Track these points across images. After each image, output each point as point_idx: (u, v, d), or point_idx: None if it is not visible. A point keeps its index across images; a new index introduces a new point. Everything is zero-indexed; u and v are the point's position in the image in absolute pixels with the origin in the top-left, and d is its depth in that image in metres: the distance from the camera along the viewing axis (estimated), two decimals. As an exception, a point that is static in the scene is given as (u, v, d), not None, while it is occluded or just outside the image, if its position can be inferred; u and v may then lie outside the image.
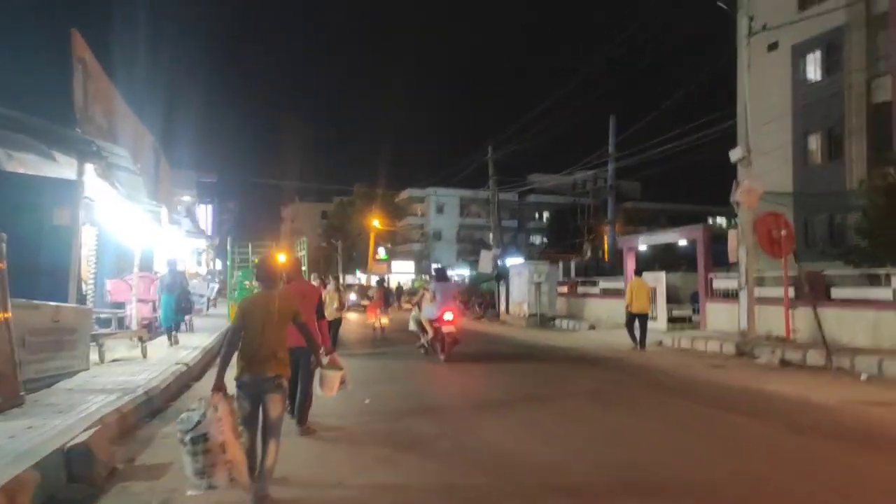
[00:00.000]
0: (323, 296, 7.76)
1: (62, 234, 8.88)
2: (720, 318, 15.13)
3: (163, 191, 13.02)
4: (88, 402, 6.34)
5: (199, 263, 29.02)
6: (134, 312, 13.14)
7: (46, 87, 8.57)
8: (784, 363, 10.97)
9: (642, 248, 19.81)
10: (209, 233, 33.81)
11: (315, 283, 12.36)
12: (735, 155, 12.76)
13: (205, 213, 42.40)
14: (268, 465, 4.24)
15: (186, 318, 15.73)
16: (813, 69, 24.01)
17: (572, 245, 44.61)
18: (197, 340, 13.20)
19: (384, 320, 16.67)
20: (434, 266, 17.13)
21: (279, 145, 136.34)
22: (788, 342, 12.13)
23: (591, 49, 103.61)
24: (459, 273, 55.29)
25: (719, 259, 18.15)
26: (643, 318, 13.64)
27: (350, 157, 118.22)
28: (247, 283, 15.44)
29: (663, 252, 24.52)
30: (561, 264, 25.47)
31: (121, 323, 13.56)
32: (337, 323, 12.31)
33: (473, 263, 59.28)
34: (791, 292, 12.63)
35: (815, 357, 10.72)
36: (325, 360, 5.30)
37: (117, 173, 9.65)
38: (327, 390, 5.43)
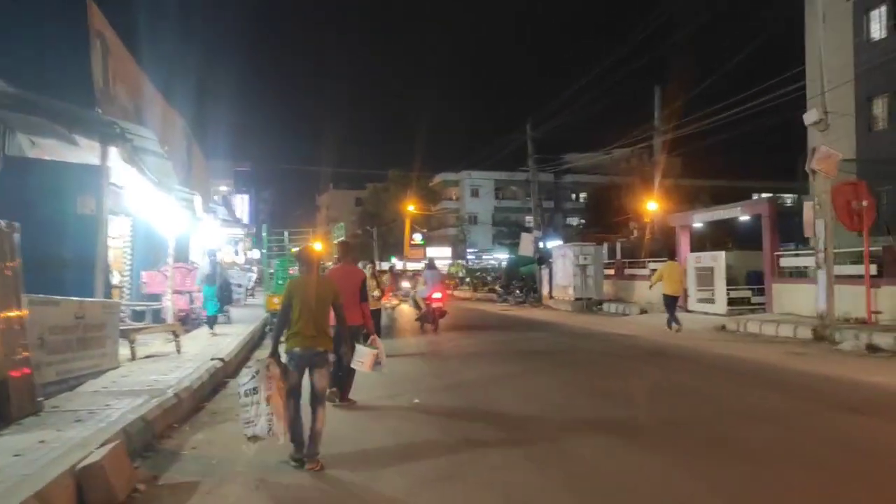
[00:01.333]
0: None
1: (87, 224, 8.35)
2: (788, 299, 13.95)
3: (196, 178, 12.48)
4: (112, 408, 5.73)
5: (237, 253, 28.81)
6: (170, 304, 12.63)
7: (62, 64, 7.97)
8: (872, 348, 9.85)
9: (697, 225, 18.58)
10: (246, 222, 33.58)
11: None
12: (810, 118, 11.55)
13: (241, 203, 42.39)
14: (317, 428, 4.72)
15: (226, 308, 15.31)
16: (878, 27, 22.23)
17: (611, 225, 43.19)
18: (234, 333, 12.67)
19: (395, 302, 18.59)
20: (427, 259, 18.28)
21: (313, 133, 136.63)
22: (870, 325, 10.97)
23: (629, 20, 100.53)
24: (496, 257, 54.37)
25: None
26: (674, 300, 13.86)
27: (384, 143, 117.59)
28: (290, 270, 14.79)
29: (713, 230, 23.20)
30: (605, 245, 24.33)
31: (156, 316, 13.14)
32: (376, 314, 10.37)
33: (510, 247, 58.25)
34: (872, 269, 11.44)
35: (910, 342, 9.57)
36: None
37: (145, 158, 9.05)
38: (359, 365, 6.10)
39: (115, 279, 14.85)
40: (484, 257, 57.23)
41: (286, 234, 15.55)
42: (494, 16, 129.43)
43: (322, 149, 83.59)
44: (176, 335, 9.64)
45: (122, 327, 9.09)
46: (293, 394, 4.80)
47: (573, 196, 63.88)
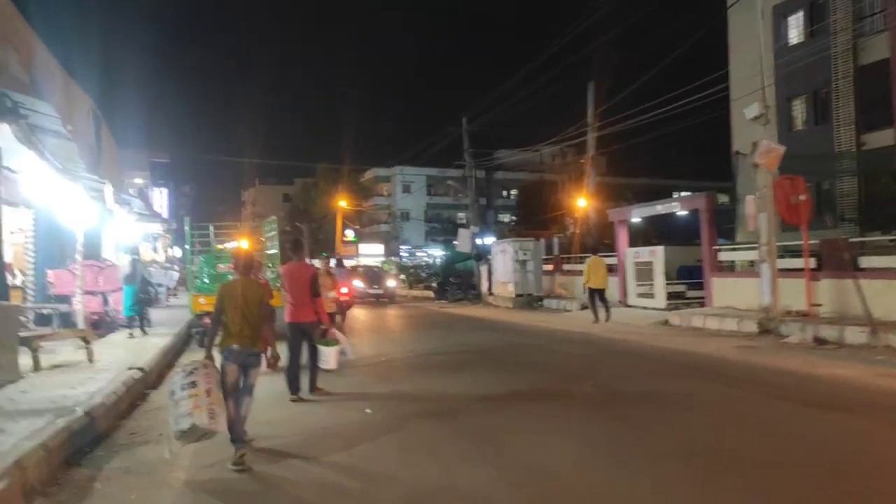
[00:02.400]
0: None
1: (-25, 215, 7.14)
2: (727, 293, 14.09)
3: (107, 167, 11.19)
4: (5, 433, 4.74)
5: (155, 250, 26.92)
6: (80, 307, 11.30)
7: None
8: (819, 341, 9.93)
9: (635, 220, 18.68)
10: (165, 216, 31.52)
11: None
12: (751, 112, 11.61)
13: (159, 197, 39.90)
14: (243, 413, 4.95)
15: (146, 310, 13.99)
16: (796, 31, 23.16)
17: (542, 222, 43.62)
18: (155, 338, 11.49)
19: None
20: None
21: (237, 124, 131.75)
22: (812, 317, 11.13)
23: (562, 16, 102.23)
24: (430, 253, 53.90)
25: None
26: (602, 293, 14.82)
27: (312, 137, 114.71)
28: (220, 266, 13.59)
29: (641, 226, 23.61)
30: (542, 241, 24.24)
31: (66, 320, 11.77)
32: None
33: (443, 243, 58.01)
34: (811, 263, 11.62)
35: (854, 334, 9.68)
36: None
37: (44, 138, 7.89)
38: (325, 364, 6.47)
39: (18, 279, 13.31)
40: (417, 254, 56.70)
41: (212, 228, 14.28)
42: (428, 8, 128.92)
43: (247, 142, 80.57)
44: (87, 342, 8.48)
45: (23, 334, 7.91)
46: (232, 387, 4.92)
47: (504, 193, 64.36)
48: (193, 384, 4.61)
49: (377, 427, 5.79)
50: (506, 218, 60.07)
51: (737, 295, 13.64)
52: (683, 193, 45.80)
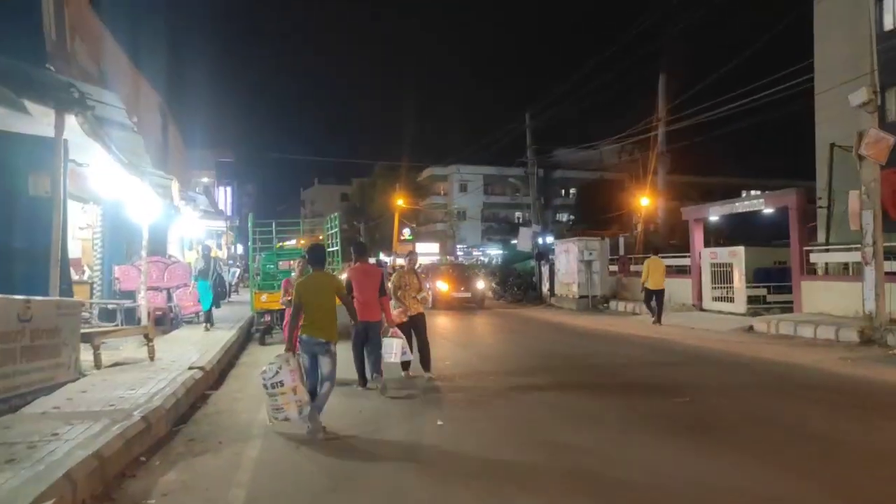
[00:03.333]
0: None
1: (41, 208, 7.02)
2: (820, 298, 12.91)
3: (174, 164, 11.12)
4: (59, 438, 4.45)
5: (219, 247, 27.33)
6: (144, 303, 11.25)
7: (4, 10, 6.57)
8: (936, 353, 8.81)
9: (713, 218, 17.53)
10: (229, 214, 32.04)
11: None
12: (857, 99, 10.49)
13: (224, 196, 40.73)
14: (321, 395, 5.49)
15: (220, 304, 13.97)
16: (891, 18, 21.33)
17: (601, 221, 42.34)
18: (217, 335, 11.34)
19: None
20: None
21: (298, 126, 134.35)
22: (922, 327, 9.94)
23: (630, 9, 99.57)
24: (488, 252, 53.24)
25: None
26: (660, 294, 14.59)
27: (370, 138, 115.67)
28: (281, 263, 13.46)
29: (716, 225, 22.22)
30: (607, 240, 23.22)
31: (130, 316, 11.79)
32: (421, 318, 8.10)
33: (500, 243, 57.29)
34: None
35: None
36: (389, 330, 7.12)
37: (110, 131, 7.70)
38: (390, 356, 6.83)
39: (86, 274, 13.48)
40: (474, 253, 56.18)
41: (274, 225, 14.12)
42: (486, 6, 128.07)
43: (308, 142, 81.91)
44: (149, 339, 8.29)
45: (84, 330, 7.77)
46: (308, 373, 5.61)
47: (562, 192, 63.08)
48: (281, 384, 5.35)
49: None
50: (564, 217, 58.84)
51: (831, 300, 12.46)
52: (754, 192, 43.69)
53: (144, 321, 10.25)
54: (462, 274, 22.15)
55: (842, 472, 4.37)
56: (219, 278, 13.62)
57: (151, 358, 8.11)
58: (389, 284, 7.93)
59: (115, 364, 7.90)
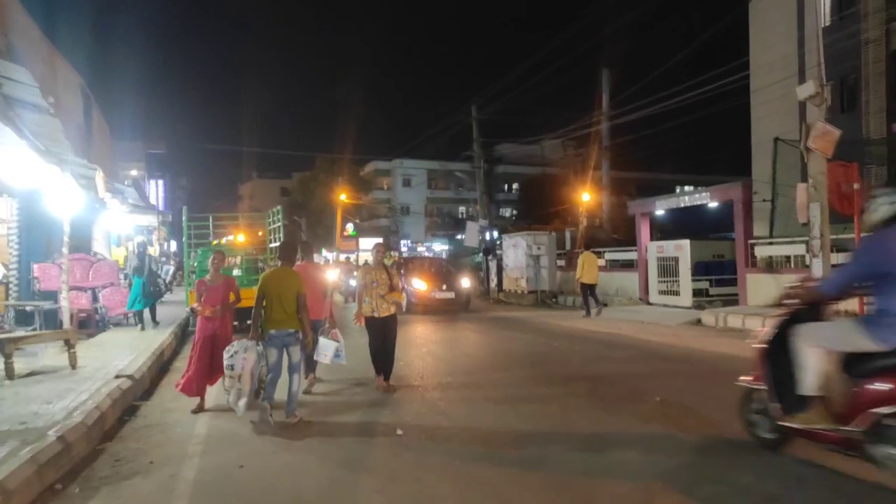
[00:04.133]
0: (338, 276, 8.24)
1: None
2: (765, 291, 13.14)
3: (99, 153, 10.19)
4: (-46, 469, 3.77)
5: (150, 243, 25.86)
6: (66, 304, 10.29)
7: None
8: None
9: (659, 212, 17.72)
10: (161, 209, 30.43)
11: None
12: (804, 92, 10.61)
13: (156, 189, 38.79)
14: (293, 391, 5.74)
15: (132, 310, 13.00)
16: (822, 15, 22.16)
17: (544, 216, 42.78)
18: (148, 338, 10.49)
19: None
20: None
21: (234, 116, 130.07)
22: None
23: (571, 7, 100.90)
24: (433, 248, 52.93)
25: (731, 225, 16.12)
26: (593, 289, 15.00)
27: (311, 131, 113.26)
28: (229, 259, 12.76)
29: (661, 219, 22.62)
30: (555, 235, 23.25)
31: (50, 318, 10.80)
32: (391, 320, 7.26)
33: (444, 238, 57.06)
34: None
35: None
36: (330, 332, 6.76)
37: (22, 112, 6.87)
38: (322, 357, 6.57)
39: (0, 273, 12.32)
40: (418, 249, 55.76)
41: (211, 219, 13.25)
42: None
43: (245, 134, 79.40)
44: (70, 345, 7.47)
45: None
46: (275, 366, 5.74)
47: (505, 187, 63.48)
48: (232, 367, 5.63)
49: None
50: (507, 213, 59.23)
51: (777, 293, 12.67)
52: (688, 187, 45.01)
53: (66, 324, 9.34)
54: (442, 270, 18.99)
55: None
56: (152, 275, 12.82)
57: (73, 366, 7.31)
58: (352, 282, 7.73)
59: (31, 374, 7.09)
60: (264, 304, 5.71)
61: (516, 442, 5.06)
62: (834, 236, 11.88)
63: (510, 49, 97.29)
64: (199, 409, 6.12)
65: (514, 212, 56.66)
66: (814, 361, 4.13)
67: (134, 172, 32.36)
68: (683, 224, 24.43)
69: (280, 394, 5.72)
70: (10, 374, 6.57)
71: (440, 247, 48.63)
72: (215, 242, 14.41)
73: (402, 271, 16.72)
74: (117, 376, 6.78)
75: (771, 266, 13.44)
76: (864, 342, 3.88)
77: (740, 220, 13.67)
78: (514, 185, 60.97)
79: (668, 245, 16.27)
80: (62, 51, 9.40)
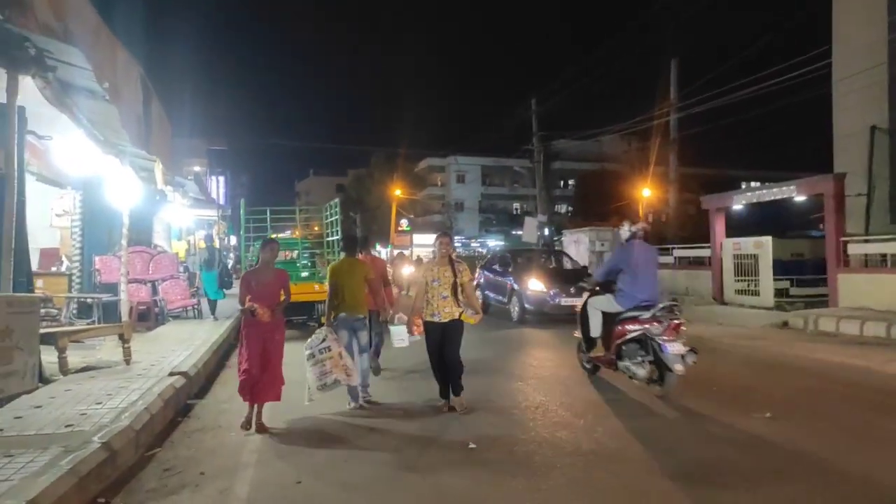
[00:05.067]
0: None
1: (-7, 188, 5.93)
2: (860, 292, 11.93)
3: (158, 144, 9.92)
4: (-11, 479, 3.42)
5: (210, 238, 26.21)
6: (124, 297, 10.17)
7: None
8: None
9: (737, 207, 16.55)
10: (222, 203, 30.91)
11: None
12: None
13: (216, 186, 39.53)
14: (363, 368, 6.19)
15: (192, 304, 12.94)
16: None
17: (601, 213, 41.50)
18: (204, 332, 10.27)
19: None
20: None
21: (293, 115, 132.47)
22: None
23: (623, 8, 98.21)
24: (487, 244, 52.30)
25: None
26: None
27: (367, 127, 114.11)
28: (286, 253, 12.95)
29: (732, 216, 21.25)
30: (619, 231, 22.17)
31: (111, 311, 10.73)
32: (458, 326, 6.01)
33: (499, 233, 56.31)
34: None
35: None
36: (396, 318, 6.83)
37: (76, 98, 6.62)
38: (398, 342, 6.58)
39: (63, 265, 12.43)
40: (472, 245, 55.26)
41: (269, 212, 12.98)
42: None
43: (303, 133, 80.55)
44: (124, 340, 7.21)
45: (46, 330, 6.73)
46: (348, 347, 5.95)
47: (560, 183, 62.23)
48: (329, 349, 5.70)
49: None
50: (562, 209, 58.01)
51: (873, 294, 11.50)
52: (753, 183, 42.71)
53: (125, 317, 9.19)
54: (563, 267, 15.20)
55: None
56: (224, 269, 13.09)
57: (127, 362, 7.06)
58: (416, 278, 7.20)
59: (86, 369, 6.86)
60: (335, 292, 6.10)
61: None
62: None
63: (570, 45, 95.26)
64: (247, 424, 5.26)
65: (570, 208, 55.48)
66: (594, 318, 6.96)
67: (196, 168, 32.97)
68: (752, 221, 22.97)
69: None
70: (63, 368, 6.34)
71: (494, 243, 47.89)
72: (273, 236, 14.20)
73: (508, 269, 14.33)
74: (171, 373, 6.47)
75: (867, 265, 12.21)
76: (613, 306, 6.70)
77: (832, 216, 12.46)
78: (570, 182, 59.67)
79: (745, 242, 15.13)
80: (120, 37, 9.05)
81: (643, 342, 6.29)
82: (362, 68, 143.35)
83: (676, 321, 6.10)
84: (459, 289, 5.90)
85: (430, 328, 5.95)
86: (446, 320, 5.86)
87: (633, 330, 6.37)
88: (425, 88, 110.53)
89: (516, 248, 22.41)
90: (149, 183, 10.54)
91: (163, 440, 4.97)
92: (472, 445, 4.76)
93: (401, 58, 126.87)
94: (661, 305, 6.32)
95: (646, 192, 30.58)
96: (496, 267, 15.35)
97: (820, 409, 5.84)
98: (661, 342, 6.03)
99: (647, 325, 6.22)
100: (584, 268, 15.59)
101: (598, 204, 43.48)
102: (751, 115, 21.33)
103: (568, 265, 15.53)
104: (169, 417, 5.49)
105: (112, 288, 11.37)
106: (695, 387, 6.51)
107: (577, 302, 7.63)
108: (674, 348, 5.93)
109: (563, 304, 12.35)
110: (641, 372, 6.26)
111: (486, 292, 15.05)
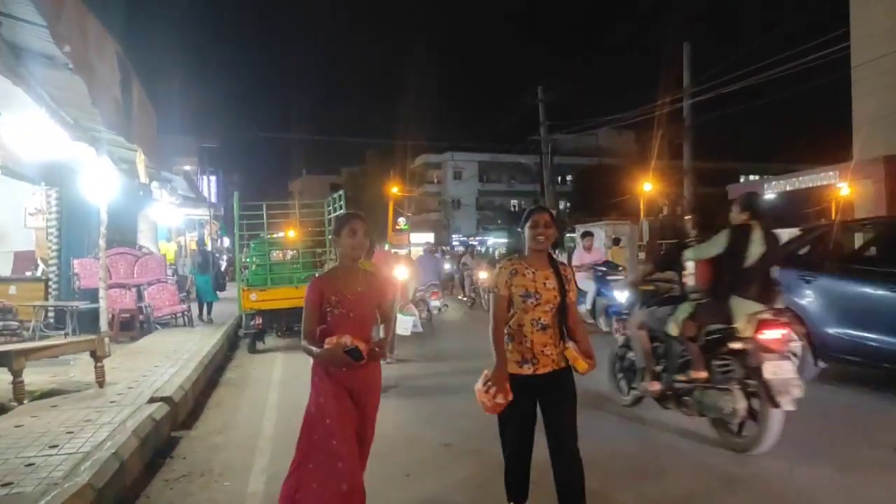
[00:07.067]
0: None
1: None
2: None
3: (141, 135, 8.80)
4: None
5: (202, 239, 25.04)
6: (104, 305, 8.96)
7: None
8: None
9: (770, 195, 15.52)
10: (213, 201, 29.71)
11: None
12: None
13: (208, 185, 38.29)
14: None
15: (182, 310, 11.78)
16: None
17: (600, 208, 40.71)
18: (194, 343, 9.09)
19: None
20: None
21: (285, 112, 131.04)
22: None
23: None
24: (485, 241, 51.28)
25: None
26: None
27: (361, 122, 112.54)
28: (274, 255, 12.03)
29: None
30: (638, 225, 21.17)
31: (88, 320, 9.54)
32: None
33: (499, 231, 55.27)
34: None
35: None
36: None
37: (32, 68, 5.48)
38: (402, 331, 7.16)
39: (39, 269, 11.27)
40: (470, 242, 54.36)
41: (265, 207, 11.71)
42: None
43: (295, 130, 79.43)
44: (97, 358, 6.00)
45: (2, 348, 5.57)
46: None
47: (559, 179, 61.34)
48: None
49: None
50: (560, 205, 57.10)
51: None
52: (753, 177, 41.76)
53: (104, 327, 7.99)
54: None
55: None
56: (219, 272, 12.30)
57: (100, 384, 5.87)
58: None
59: (50, 393, 5.69)
60: None
61: None
62: None
63: (570, 36, 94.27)
64: None
65: (568, 204, 54.68)
66: None
67: (187, 167, 31.75)
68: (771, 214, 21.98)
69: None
70: (17, 395, 5.14)
71: (495, 240, 46.93)
72: (272, 234, 12.97)
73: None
74: (152, 399, 5.30)
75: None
76: None
77: (882, 203, 11.38)
78: (568, 177, 58.88)
79: (779, 235, 14.12)
80: (111, 34, 7.80)
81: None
82: (358, 63, 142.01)
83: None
84: (565, 311, 3.11)
85: (523, 386, 3.00)
86: (547, 371, 3.04)
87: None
88: (421, 81, 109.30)
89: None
90: (130, 176, 9.40)
91: (137, 494, 3.81)
92: None
93: (397, 54, 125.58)
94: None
95: (647, 187, 29.81)
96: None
97: None
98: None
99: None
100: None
101: (597, 198, 42.67)
102: (759, 103, 20.39)
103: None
104: (147, 459, 4.34)
105: (93, 294, 10.19)
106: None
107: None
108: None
109: None
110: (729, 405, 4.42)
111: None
